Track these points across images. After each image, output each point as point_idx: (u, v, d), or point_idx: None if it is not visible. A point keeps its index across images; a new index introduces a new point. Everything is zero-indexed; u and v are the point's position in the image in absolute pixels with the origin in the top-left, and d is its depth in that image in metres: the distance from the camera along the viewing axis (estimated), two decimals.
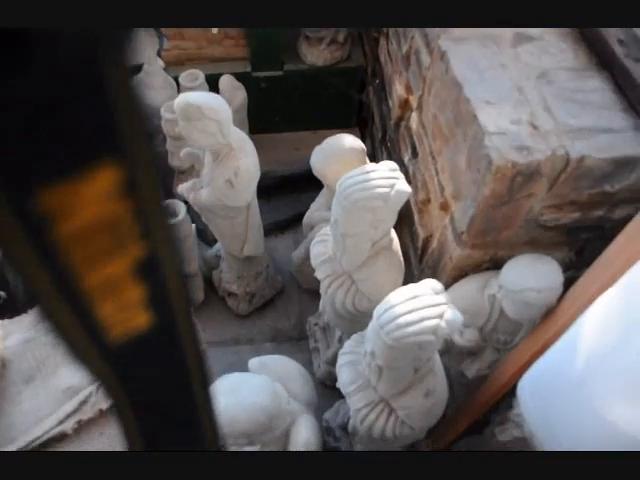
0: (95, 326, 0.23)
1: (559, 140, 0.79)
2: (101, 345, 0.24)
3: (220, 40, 1.57)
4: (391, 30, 1.32)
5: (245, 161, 0.98)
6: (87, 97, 0.16)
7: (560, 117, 0.82)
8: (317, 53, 1.55)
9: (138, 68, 1.43)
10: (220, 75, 1.47)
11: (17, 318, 0.85)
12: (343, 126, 1.68)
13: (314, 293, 1.34)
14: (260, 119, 1.58)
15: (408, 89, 1.18)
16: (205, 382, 0.33)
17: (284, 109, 1.66)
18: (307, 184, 1.41)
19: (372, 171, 0.79)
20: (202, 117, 0.90)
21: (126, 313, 0.24)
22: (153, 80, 1.41)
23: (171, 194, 1.49)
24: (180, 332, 0.27)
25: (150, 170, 0.20)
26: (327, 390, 1.21)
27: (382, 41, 1.42)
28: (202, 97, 0.92)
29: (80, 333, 0.23)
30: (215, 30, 1.56)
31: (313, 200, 1.26)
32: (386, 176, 0.78)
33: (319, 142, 1.13)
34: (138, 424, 0.32)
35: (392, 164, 0.82)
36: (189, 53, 1.57)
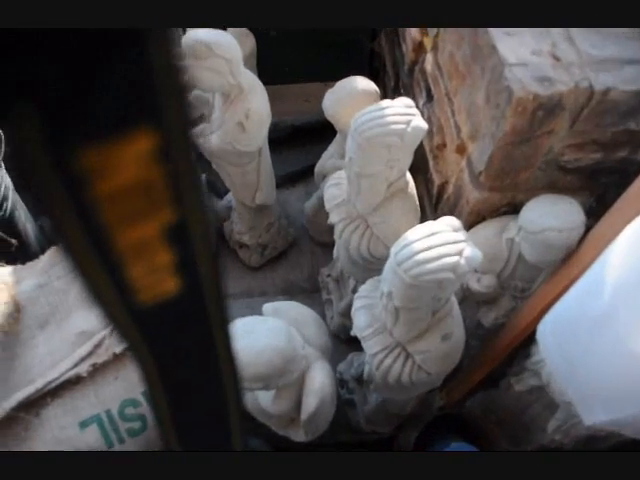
0: (125, 287, 0.24)
1: (582, 72, 0.76)
2: (130, 306, 0.26)
3: None
4: None
5: (256, 103, 0.95)
6: (131, 67, 0.17)
7: (583, 48, 0.78)
8: None
9: None
10: None
11: (29, 263, 0.85)
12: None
13: (326, 245, 1.32)
14: (269, 69, 1.54)
15: (422, 30, 1.13)
16: (229, 348, 0.34)
17: (294, 59, 1.62)
18: (319, 135, 1.38)
19: (387, 107, 0.76)
20: (211, 55, 0.87)
21: (155, 276, 0.24)
22: None
23: None
24: (207, 299, 0.28)
25: (186, 138, 0.21)
26: (341, 343, 1.20)
27: None
28: (211, 34, 0.89)
29: (111, 293, 0.24)
30: None
31: (324, 151, 1.23)
32: (402, 112, 0.75)
33: None
34: (163, 386, 0.33)
35: (408, 101, 0.79)
36: None
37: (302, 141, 1.47)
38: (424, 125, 0.77)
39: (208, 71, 0.91)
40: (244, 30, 1.47)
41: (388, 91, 1.49)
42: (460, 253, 0.64)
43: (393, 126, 0.75)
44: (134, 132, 0.19)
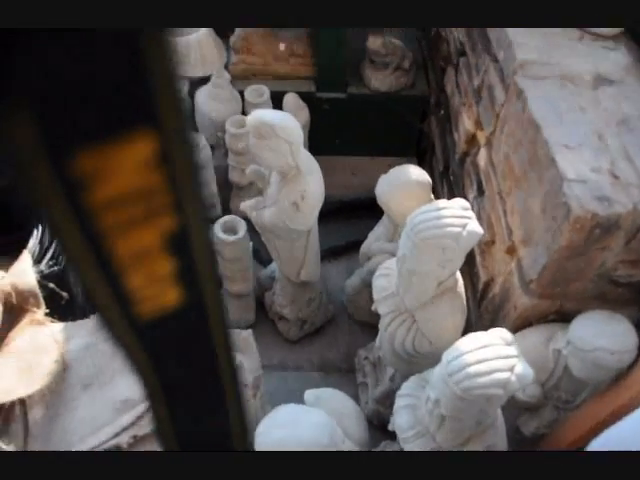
0: (125, 298, 0.24)
1: None
2: (131, 318, 0.25)
3: (287, 57, 1.58)
4: (461, 61, 1.31)
5: (313, 185, 0.98)
6: (129, 70, 0.17)
7: None
8: (381, 78, 1.55)
9: (206, 79, 1.46)
10: (284, 92, 1.48)
11: (79, 322, 0.87)
12: (401, 154, 1.67)
13: (365, 325, 1.32)
14: (319, 141, 1.58)
15: (477, 124, 1.16)
16: (231, 363, 0.33)
17: (344, 133, 1.66)
18: (365, 211, 1.40)
19: (444, 208, 0.77)
20: (274, 136, 0.91)
21: (156, 287, 0.24)
22: (220, 92, 1.43)
23: (227, 209, 1.51)
24: (209, 310, 0.28)
25: (185, 143, 0.20)
26: (374, 430, 1.15)
27: (450, 71, 1.41)
28: (276, 116, 0.93)
29: (112, 303, 0.24)
30: (282, 46, 1.57)
31: (369, 228, 1.24)
32: (459, 215, 0.77)
33: (376, 169, 1.12)
34: (167, 403, 0.32)
35: (464, 203, 0.80)
36: (255, 68, 1.58)
37: (347, 216, 1.49)
38: (480, 230, 0.78)
39: (270, 151, 0.95)
40: (300, 102, 1.53)
41: (436, 174, 1.51)
42: (512, 369, 0.64)
43: (449, 228, 0.76)
44: (132, 135, 0.19)
